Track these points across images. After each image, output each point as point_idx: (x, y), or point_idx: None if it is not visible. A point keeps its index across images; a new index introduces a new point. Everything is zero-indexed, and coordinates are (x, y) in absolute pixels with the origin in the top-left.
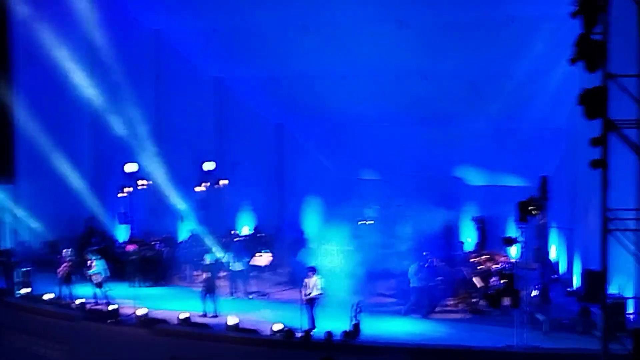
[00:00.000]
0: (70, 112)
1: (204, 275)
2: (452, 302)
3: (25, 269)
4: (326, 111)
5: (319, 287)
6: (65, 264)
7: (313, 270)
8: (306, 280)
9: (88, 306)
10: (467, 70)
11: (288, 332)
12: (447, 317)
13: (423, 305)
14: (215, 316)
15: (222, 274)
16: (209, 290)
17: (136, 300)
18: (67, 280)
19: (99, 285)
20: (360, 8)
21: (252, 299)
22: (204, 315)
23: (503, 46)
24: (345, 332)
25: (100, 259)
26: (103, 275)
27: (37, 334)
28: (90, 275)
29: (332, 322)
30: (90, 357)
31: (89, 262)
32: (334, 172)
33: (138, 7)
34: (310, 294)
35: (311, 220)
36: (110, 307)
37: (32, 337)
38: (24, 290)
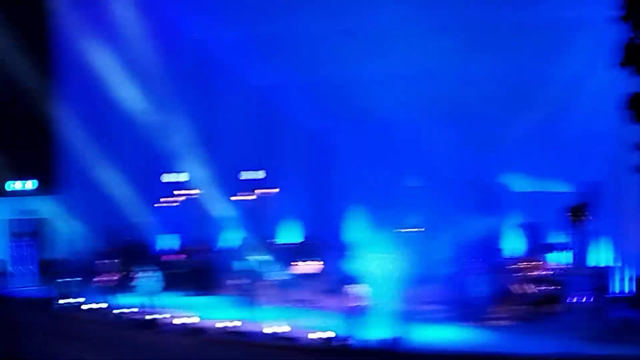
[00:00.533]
0: (116, 122)
1: (245, 282)
2: (498, 310)
3: (76, 279)
4: (368, 117)
5: (363, 295)
6: (112, 274)
7: (352, 280)
8: (349, 288)
9: (136, 315)
10: (510, 74)
11: (331, 340)
12: (493, 324)
13: (469, 312)
14: (258, 324)
15: (268, 281)
16: (251, 297)
17: (185, 310)
18: (116, 289)
19: (149, 296)
20: (400, 11)
21: (297, 307)
22: (246, 323)
23: (545, 49)
24: (389, 339)
25: (149, 270)
26: (153, 287)
27: (87, 343)
28: (141, 286)
29: (377, 330)
30: None
31: (135, 275)
32: (377, 181)
33: (181, 16)
34: (353, 302)
35: (356, 228)
36: (158, 316)
37: (82, 344)
38: (74, 300)
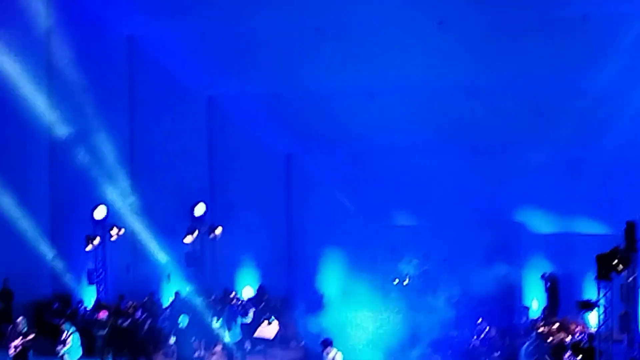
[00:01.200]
0: (24, 140)
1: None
2: None
3: None
4: (348, 138)
5: None
6: (20, 338)
7: (328, 343)
8: (325, 357)
9: None
10: (528, 85)
11: None
12: None
13: None
14: None
15: (217, 348)
16: None
17: None
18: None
19: None
20: (390, 6)
21: None
22: None
23: (574, 54)
24: None
25: (74, 332)
26: (76, 355)
27: None
28: (62, 355)
29: None
30: None
31: (63, 335)
32: (359, 217)
33: (108, 9)
34: None
35: (330, 278)
36: None
37: None
38: None
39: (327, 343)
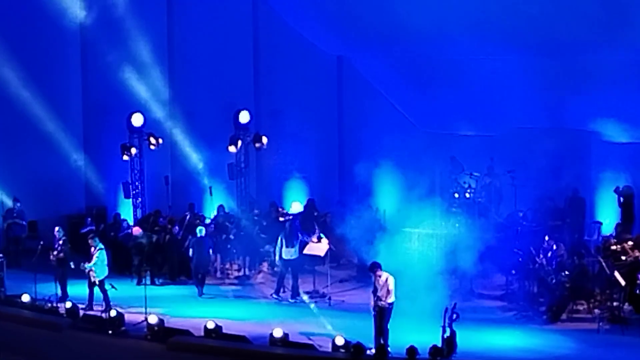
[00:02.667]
0: (54, 45)
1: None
2: (583, 306)
3: None
4: (404, 41)
5: (391, 288)
6: (58, 248)
7: (377, 266)
8: (376, 280)
9: (81, 311)
10: None
11: (356, 349)
12: (575, 326)
13: (542, 310)
14: (250, 325)
15: (263, 266)
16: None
17: (147, 304)
18: (60, 269)
19: (97, 284)
20: None
21: (305, 301)
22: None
23: None
24: (434, 347)
25: (102, 248)
26: (102, 273)
27: (11, 349)
28: (88, 270)
29: (416, 335)
30: None
31: (91, 250)
32: (416, 126)
33: None
34: (379, 299)
35: (385, 192)
36: (111, 313)
37: (4, 352)
38: None
39: (376, 267)
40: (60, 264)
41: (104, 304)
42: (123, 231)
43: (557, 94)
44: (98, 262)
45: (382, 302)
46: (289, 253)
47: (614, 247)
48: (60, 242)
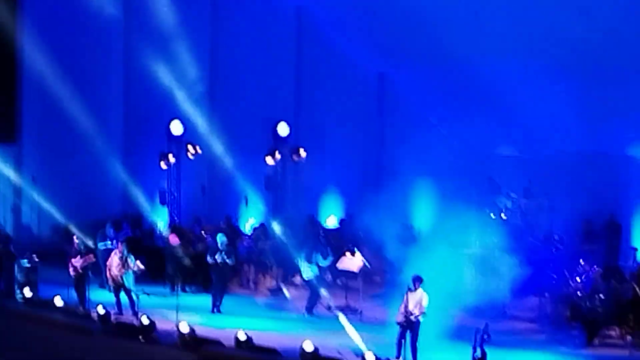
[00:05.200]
0: (96, 50)
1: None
2: (615, 332)
3: (28, 264)
4: (446, 60)
5: (424, 304)
6: (84, 258)
7: (419, 280)
8: (407, 294)
9: (113, 317)
10: None
11: None
12: (609, 352)
13: (578, 333)
14: (282, 337)
15: (296, 278)
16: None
17: (179, 312)
18: (83, 280)
19: (121, 290)
20: None
21: (336, 315)
22: (265, 335)
23: None
24: None
25: (129, 254)
26: (130, 279)
27: (41, 352)
28: (117, 277)
29: (446, 354)
30: None
31: (119, 257)
32: (456, 145)
33: None
34: (410, 314)
35: (421, 210)
36: (143, 320)
37: (35, 355)
38: (26, 293)
39: (417, 281)
40: (84, 273)
41: (131, 310)
42: (157, 238)
43: (597, 118)
44: (130, 270)
45: (413, 317)
46: (312, 269)
47: None
48: (81, 252)
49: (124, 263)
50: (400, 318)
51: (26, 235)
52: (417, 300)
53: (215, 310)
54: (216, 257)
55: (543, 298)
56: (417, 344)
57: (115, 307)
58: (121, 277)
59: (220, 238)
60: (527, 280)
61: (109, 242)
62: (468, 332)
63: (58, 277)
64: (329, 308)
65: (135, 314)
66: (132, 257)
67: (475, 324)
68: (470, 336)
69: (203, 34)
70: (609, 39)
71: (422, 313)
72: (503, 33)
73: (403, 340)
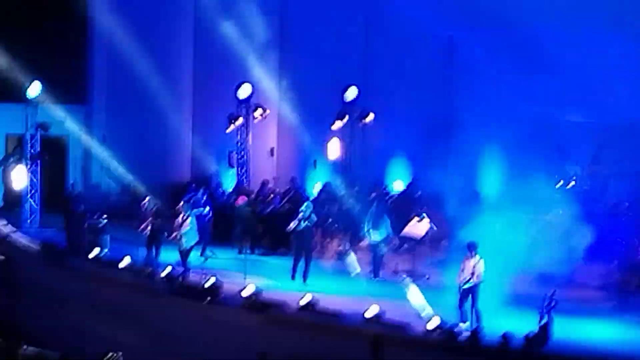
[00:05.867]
0: (166, 12)
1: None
2: None
3: (97, 223)
4: (517, 24)
5: (480, 271)
6: (149, 219)
7: (473, 246)
8: (464, 260)
9: (178, 278)
10: None
11: (449, 333)
12: None
13: None
14: (349, 302)
15: (362, 243)
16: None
17: (246, 274)
18: (153, 240)
19: (185, 252)
20: None
21: (402, 280)
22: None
23: None
24: (528, 335)
25: (192, 215)
26: (192, 240)
27: (109, 311)
28: (179, 238)
29: (511, 321)
30: (177, 346)
31: (181, 216)
32: (524, 111)
33: None
34: (467, 280)
35: (489, 175)
36: (209, 281)
37: (102, 314)
38: (94, 252)
39: (472, 247)
40: (153, 235)
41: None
42: (222, 199)
43: None
44: (190, 228)
45: (468, 283)
46: (374, 235)
47: None
48: (152, 212)
49: (182, 222)
50: (460, 283)
51: (96, 195)
52: (473, 266)
53: (300, 277)
54: (301, 223)
55: (611, 265)
56: (479, 310)
57: (182, 267)
58: (181, 237)
59: (308, 206)
60: (596, 247)
61: (202, 209)
62: (535, 299)
63: (127, 238)
64: (395, 272)
65: (203, 275)
66: (192, 217)
67: (542, 291)
68: (537, 303)
69: None
70: None
71: (479, 279)
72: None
73: (465, 305)
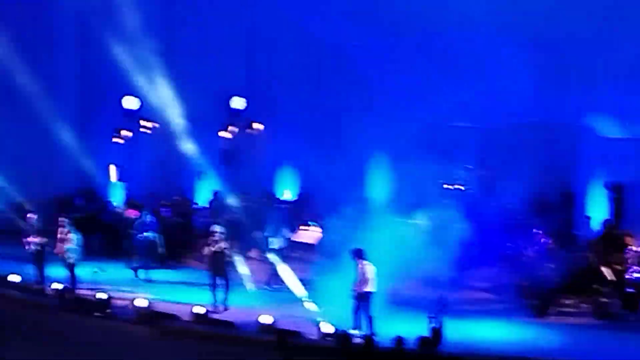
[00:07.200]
0: (50, 21)
1: (211, 250)
2: (571, 301)
3: None
4: (406, 29)
5: (369, 277)
6: (34, 235)
7: (359, 253)
8: (363, 265)
9: (68, 293)
10: None
11: (342, 338)
12: (563, 320)
13: (530, 303)
14: (225, 309)
15: (253, 252)
16: (217, 272)
17: (135, 287)
18: (39, 256)
19: (71, 266)
20: None
21: (290, 289)
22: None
23: None
24: (421, 338)
25: (74, 230)
26: (75, 255)
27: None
28: (63, 253)
29: (403, 325)
30: None
31: (64, 232)
32: (412, 115)
33: None
34: (359, 286)
35: (376, 182)
36: (99, 295)
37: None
38: None
39: (359, 254)
40: (39, 251)
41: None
42: (112, 214)
43: (551, 89)
44: (73, 244)
45: (360, 290)
46: (275, 243)
47: (607, 241)
48: (36, 228)
49: (64, 238)
50: (353, 290)
51: None
52: (362, 272)
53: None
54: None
55: (498, 268)
56: (372, 315)
57: (69, 283)
58: (66, 251)
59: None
60: (483, 250)
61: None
62: (425, 303)
63: (14, 254)
64: (283, 281)
65: (93, 289)
66: (74, 232)
67: (432, 294)
68: (427, 306)
69: (156, 8)
70: (564, 11)
71: (369, 285)
72: (461, 6)
73: (358, 312)
